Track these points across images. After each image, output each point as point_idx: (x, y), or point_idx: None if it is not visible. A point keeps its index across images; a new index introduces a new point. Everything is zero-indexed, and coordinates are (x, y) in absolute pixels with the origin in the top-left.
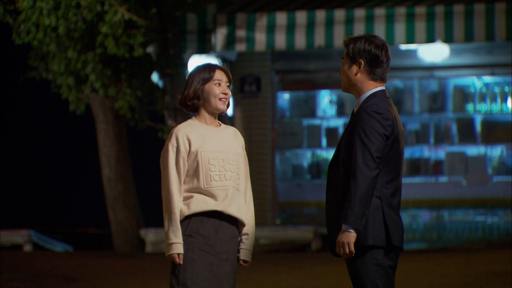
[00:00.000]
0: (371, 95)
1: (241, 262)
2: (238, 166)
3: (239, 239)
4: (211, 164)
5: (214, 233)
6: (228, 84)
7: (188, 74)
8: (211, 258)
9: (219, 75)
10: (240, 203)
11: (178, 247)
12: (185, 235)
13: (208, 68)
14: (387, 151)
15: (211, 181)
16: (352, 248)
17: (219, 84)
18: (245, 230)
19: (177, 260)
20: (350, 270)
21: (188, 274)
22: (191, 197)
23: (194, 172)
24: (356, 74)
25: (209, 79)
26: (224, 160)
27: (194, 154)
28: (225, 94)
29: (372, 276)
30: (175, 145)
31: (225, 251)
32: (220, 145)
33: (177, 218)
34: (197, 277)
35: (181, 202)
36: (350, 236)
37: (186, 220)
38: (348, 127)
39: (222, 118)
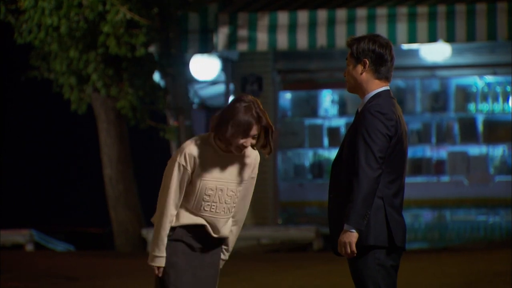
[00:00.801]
0: (375, 95)
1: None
2: (237, 195)
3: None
4: (207, 194)
5: (199, 242)
6: (256, 134)
7: (229, 105)
8: (195, 262)
9: (251, 132)
10: (227, 228)
11: (160, 260)
12: (170, 240)
13: (247, 124)
14: (390, 151)
15: (200, 209)
16: (354, 248)
17: (246, 137)
18: (227, 242)
19: (157, 272)
20: (352, 270)
21: (172, 279)
22: (180, 209)
23: (188, 195)
24: (361, 73)
25: (240, 133)
26: (223, 190)
27: (194, 178)
28: (244, 146)
29: (374, 276)
30: (183, 163)
31: (209, 255)
32: (225, 173)
33: (166, 234)
34: (181, 282)
35: (173, 217)
36: (352, 236)
37: (172, 228)
38: (352, 126)
39: None
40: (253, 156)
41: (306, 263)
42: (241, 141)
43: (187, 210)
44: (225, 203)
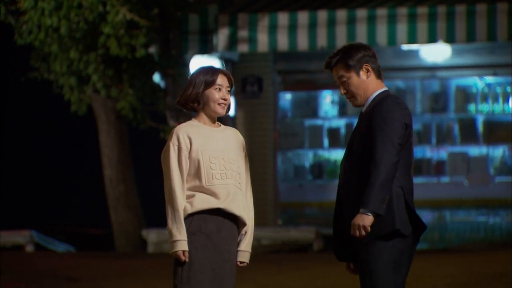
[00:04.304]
0: (381, 93)
1: (238, 263)
2: (239, 165)
3: (238, 239)
4: (212, 162)
5: (217, 231)
6: (229, 89)
7: (190, 75)
8: (213, 257)
9: (220, 80)
10: (242, 202)
11: (183, 244)
12: (188, 233)
13: (210, 72)
14: (405, 141)
15: (212, 179)
16: (368, 230)
17: (220, 89)
18: (244, 230)
19: (183, 257)
20: (364, 254)
21: (192, 273)
22: (193, 195)
23: (196, 171)
24: (368, 78)
25: (210, 84)
26: (224, 159)
27: (195, 152)
28: (225, 99)
29: (389, 261)
30: (177, 143)
31: (227, 250)
32: (220, 144)
33: (181, 215)
34: (201, 276)
35: (184, 200)
36: (367, 219)
37: (189, 218)
38: (357, 127)
39: (223, 119)
40: (231, 130)
41: (306, 264)
42: (217, 95)
43: (201, 191)
44: (232, 170)
